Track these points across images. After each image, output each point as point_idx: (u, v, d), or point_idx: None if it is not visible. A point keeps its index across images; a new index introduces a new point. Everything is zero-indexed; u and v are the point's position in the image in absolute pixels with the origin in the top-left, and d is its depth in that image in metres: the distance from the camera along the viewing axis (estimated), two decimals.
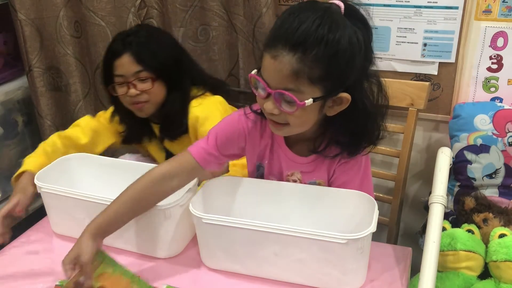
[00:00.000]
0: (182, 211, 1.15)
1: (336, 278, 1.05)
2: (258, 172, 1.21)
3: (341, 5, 0.95)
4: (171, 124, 1.48)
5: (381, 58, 1.57)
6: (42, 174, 1.26)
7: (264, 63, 0.95)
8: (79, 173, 1.35)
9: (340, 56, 0.91)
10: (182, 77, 1.46)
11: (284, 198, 1.18)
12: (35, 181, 1.23)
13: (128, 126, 1.53)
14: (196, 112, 1.44)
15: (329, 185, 1.14)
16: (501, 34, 1.46)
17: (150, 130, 1.54)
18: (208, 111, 1.43)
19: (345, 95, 0.97)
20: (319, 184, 1.15)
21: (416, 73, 1.59)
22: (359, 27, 0.95)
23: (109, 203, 1.11)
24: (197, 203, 1.11)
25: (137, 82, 1.39)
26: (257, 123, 1.13)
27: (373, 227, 0.99)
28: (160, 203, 1.12)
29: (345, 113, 1.00)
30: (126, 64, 1.38)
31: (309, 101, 0.93)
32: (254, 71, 0.98)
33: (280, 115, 0.98)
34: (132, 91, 1.39)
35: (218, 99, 1.49)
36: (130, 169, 1.27)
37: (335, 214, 1.14)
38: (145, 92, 1.40)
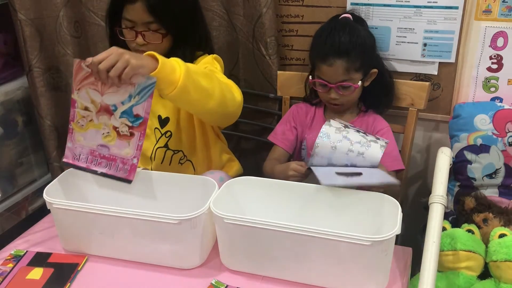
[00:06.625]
0: (205, 220, 1.11)
1: (359, 280, 1.05)
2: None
3: (350, 16, 1.46)
4: None
5: (381, 58, 1.57)
6: (50, 189, 1.19)
7: (323, 70, 1.40)
8: (85, 186, 1.28)
9: (367, 49, 1.42)
10: (193, 35, 1.42)
11: (306, 199, 1.18)
12: (44, 196, 1.15)
13: None
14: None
15: None
16: (501, 34, 1.46)
17: None
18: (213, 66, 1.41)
19: (374, 70, 1.45)
20: None
21: (416, 73, 1.59)
22: (364, 26, 1.49)
23: (125, 216, 1.10)
24: (218, 204, 1.10)
25: (146, 33, 1.35)
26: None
27: (398, 229, 1.00)
28: (187, 214, 1.07)
29: (376, 82, 1.46)
30: (137, 12, 1.33)
31: (360, 83, 1.40)
32: (310, 77, 1.45)
33: (339, 99, 1.42)
34: (140, 40, 1.35)
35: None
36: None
37: (357, 215, 1.14)
38: (151, 44, 1.36)
